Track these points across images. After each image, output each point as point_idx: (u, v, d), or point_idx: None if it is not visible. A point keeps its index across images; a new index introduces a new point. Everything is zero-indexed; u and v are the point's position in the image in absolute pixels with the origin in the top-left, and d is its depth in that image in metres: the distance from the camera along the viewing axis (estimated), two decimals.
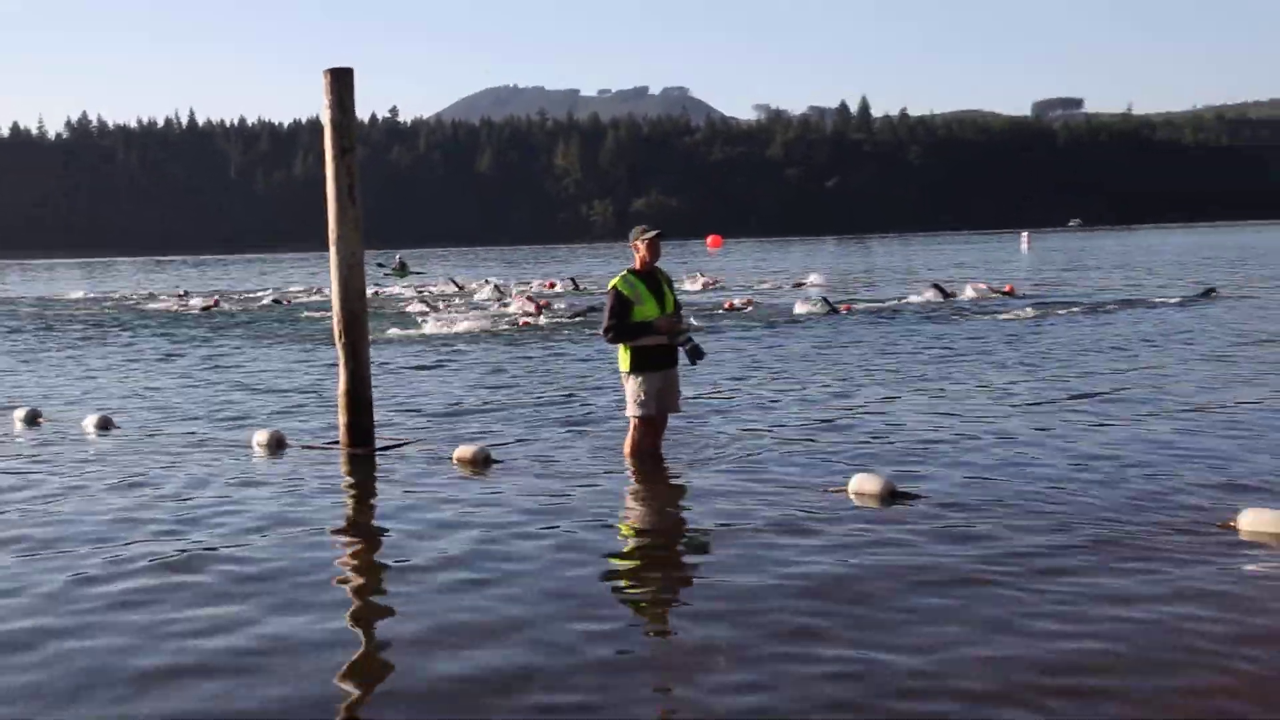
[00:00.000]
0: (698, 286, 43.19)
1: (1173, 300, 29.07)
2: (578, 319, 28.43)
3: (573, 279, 50.36)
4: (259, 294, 48.53)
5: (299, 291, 49.28)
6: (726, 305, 32.38)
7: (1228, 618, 6.02)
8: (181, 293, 50.04)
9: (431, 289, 46.32)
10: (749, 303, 32.77)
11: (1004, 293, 33.68)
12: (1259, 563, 7.00)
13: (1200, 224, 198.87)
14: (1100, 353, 18.46)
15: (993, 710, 5.00)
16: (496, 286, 42.86)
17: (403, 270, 52.41)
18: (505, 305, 34.07)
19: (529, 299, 34.01)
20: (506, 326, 27.74)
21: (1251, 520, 7.55)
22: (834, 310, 29.01)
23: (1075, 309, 27.39)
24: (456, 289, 45.70)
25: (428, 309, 33.19)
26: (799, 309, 29.63)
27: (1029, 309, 27.44)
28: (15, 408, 14.70)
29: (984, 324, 24.63)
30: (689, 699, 5.28)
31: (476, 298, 40.06)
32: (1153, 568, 6.87)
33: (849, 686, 5.28)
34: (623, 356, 10.01)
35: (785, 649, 5.75)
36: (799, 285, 43.19)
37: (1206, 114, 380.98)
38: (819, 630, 6.02)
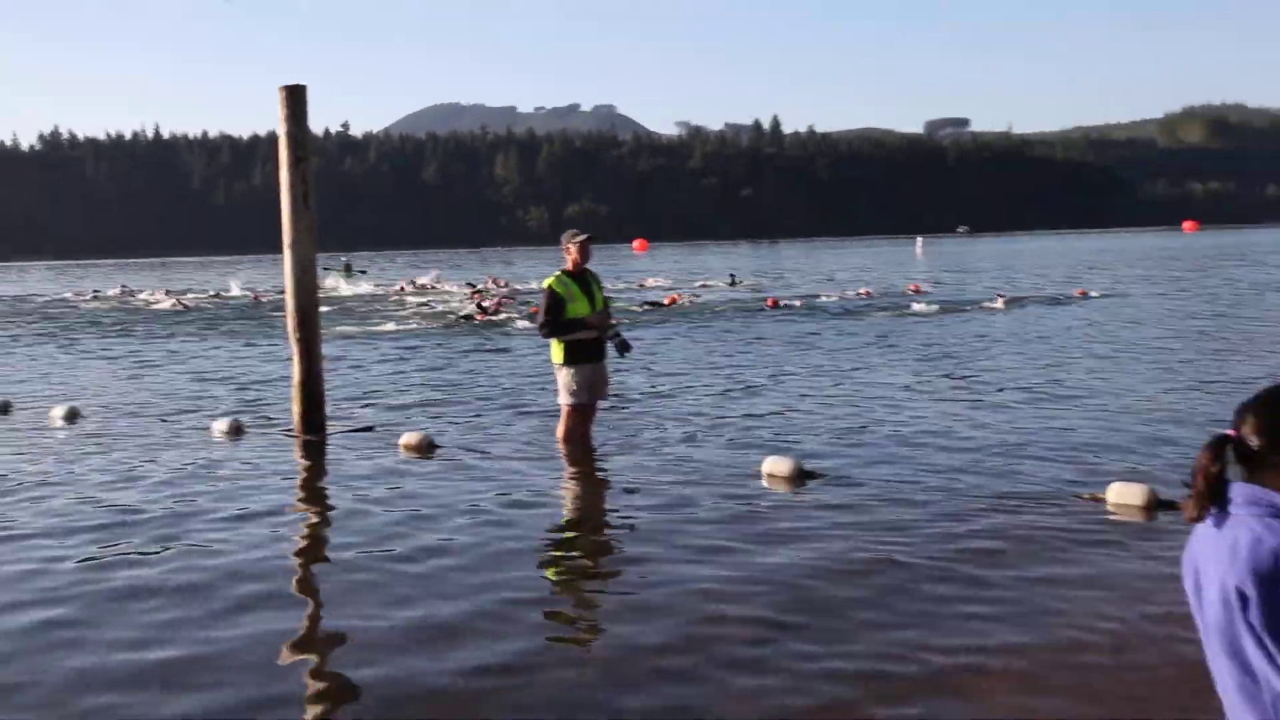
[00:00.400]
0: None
1: (1056, 298, 29.55)
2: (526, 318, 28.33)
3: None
4: (223, 293, 47.69)
5: (268, 290, 48.40)
6: (668, 300, 32.32)
7: (1095, 581, 6.09)
8: (165, 291, 48.94)
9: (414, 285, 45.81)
10: (674, 300, 32.76)
11: (911, 290, 34.09)
12: (1122, 530, 7.12)
13: (1071, 231, 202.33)
14: (996, 344, 18.70)
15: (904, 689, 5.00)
16: (470, 284, 41.95)
17: (348, 271, 51.59)
18: (481, 299, 33.48)
19: (501, 290, 33.82)
20: (462, 321, 27.61)
21: (1116, 493, 7.70)
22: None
23: (971, 307, 27.68)
24: (415, 288, 45.08)
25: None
26: (917, 308, 28.33)
27: (934, 305, 27.85)
28: None
29: (893, 320, 24.84)
30: (616, 689, 5.12)
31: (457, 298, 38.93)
32: (1031, 535, 6.95)
33: (768, 667, 5.25)
34: (555, 349, 9.94)
35: (703, 630, 5.69)
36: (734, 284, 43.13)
37: (1075, 134, 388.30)
38: (733, 615, 5.90)
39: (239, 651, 5.42)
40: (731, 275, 46.32)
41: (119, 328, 29.21)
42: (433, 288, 44.99)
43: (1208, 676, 2.49)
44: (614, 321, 10.15)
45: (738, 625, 5.62)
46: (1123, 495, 7.65)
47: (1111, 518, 7.43)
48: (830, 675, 4.98)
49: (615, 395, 11.56)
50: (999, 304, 27.89)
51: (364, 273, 55.63)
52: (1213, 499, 2.41)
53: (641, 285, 43.91)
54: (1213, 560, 2.41)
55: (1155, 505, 7.48)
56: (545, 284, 10.00)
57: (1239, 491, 2.39)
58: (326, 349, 11.83)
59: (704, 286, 41.71)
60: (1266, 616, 2.29)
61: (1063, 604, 5.76)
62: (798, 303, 30.86)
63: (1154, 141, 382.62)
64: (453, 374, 16.81)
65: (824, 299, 32.15)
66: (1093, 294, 30.62)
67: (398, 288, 45.35)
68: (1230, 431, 2.43)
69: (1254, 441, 2.38)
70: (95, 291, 50.60)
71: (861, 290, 34.56)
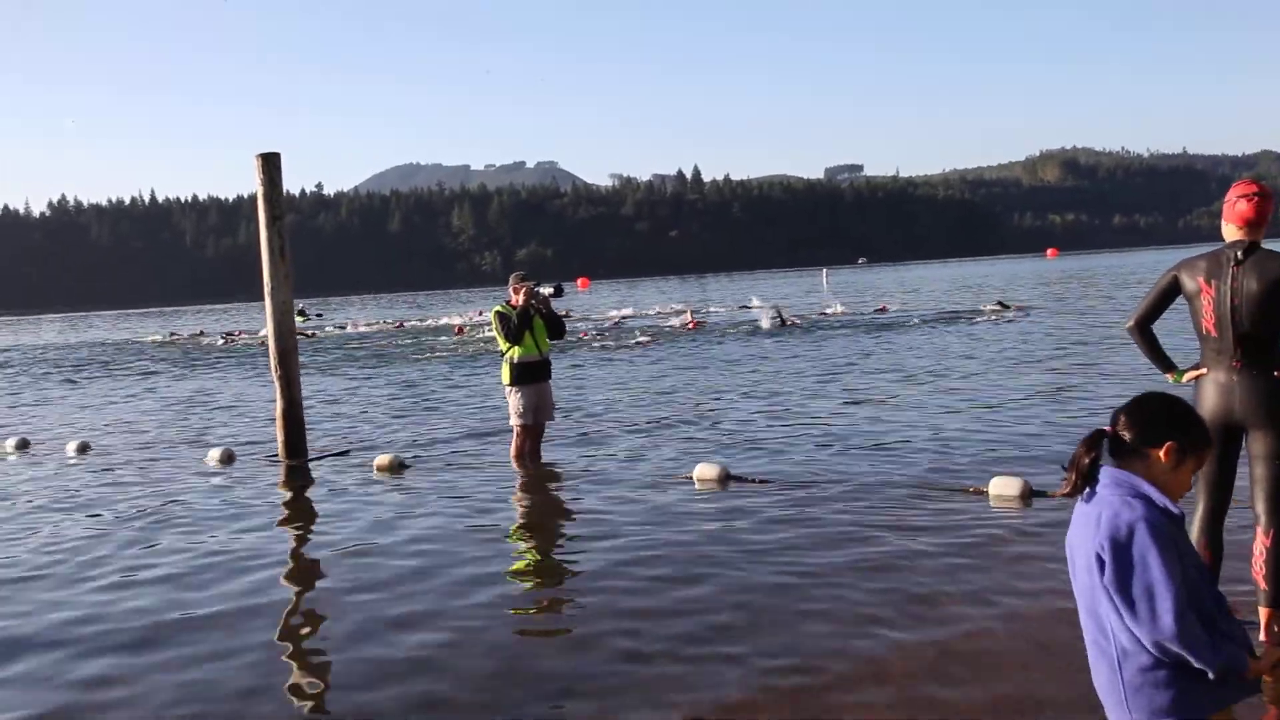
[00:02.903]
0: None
1: (980, 315, 30.07)
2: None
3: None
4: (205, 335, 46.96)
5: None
6: (691, 324, 32.80)
7: (979, 561, 6.14)
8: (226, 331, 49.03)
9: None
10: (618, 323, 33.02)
11: (880, 310, 35.09)
12: (997, 517, 7.18)
13: (953, 259, 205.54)
14: (918, 358, 18.83)
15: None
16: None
17: (301, 315, 51.11)
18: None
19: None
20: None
21: (996, 486, 7.79)
22: (783, 322, 30.44)
23: (912, 324, 27.95)
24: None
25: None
26: (764, 323, 30.64)
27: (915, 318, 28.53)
28: (9, 436, 14.14)
29: (812, 338, 24.99)
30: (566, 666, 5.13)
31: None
32: (926, 524, 7.00)
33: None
34: (504, 372, 9.91)
35: (635, 622, 5.66)
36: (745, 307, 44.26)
37: (953, 176, 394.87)
38: (663, 608, 5.90)
39: (227, 646, 5.33)
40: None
41: (132, 365, 28.64)
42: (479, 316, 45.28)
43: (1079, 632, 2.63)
44: (537, 291, 10.01)
45: (667, 619, 5.54)
46: (1002, 487, 7.75)
47: (992, 507, 7.50)
48: (750, 666, 4.93)
49: (575, 409, 11.49)
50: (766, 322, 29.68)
51: (320, 315, 55.78)
52: (1086, 480, 2.58)
53: (659, 311, 45.17)
54: (1081, 533, 2.57)
55: (1029, 495, 7.58)
56: (493, 311, 10.05)
57: (1107, 474, 2.57)
58: (323, 382, 11.63)
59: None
60: (1116, 576, 2.43)
61: (950, 582, 5.80)
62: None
63: (1019, 181, 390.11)
64: (428, 400, 16.67)
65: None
66: (1009, 308, 30.58)
67: (457, 323, 45.04)
68: (1107, 427, 2.63)
69: (1127, 436, 2.58)
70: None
71: (839, 309, 35.94)
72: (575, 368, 20.64)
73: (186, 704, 4.70)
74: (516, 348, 9.78)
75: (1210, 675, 2.43)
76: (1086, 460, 2.58)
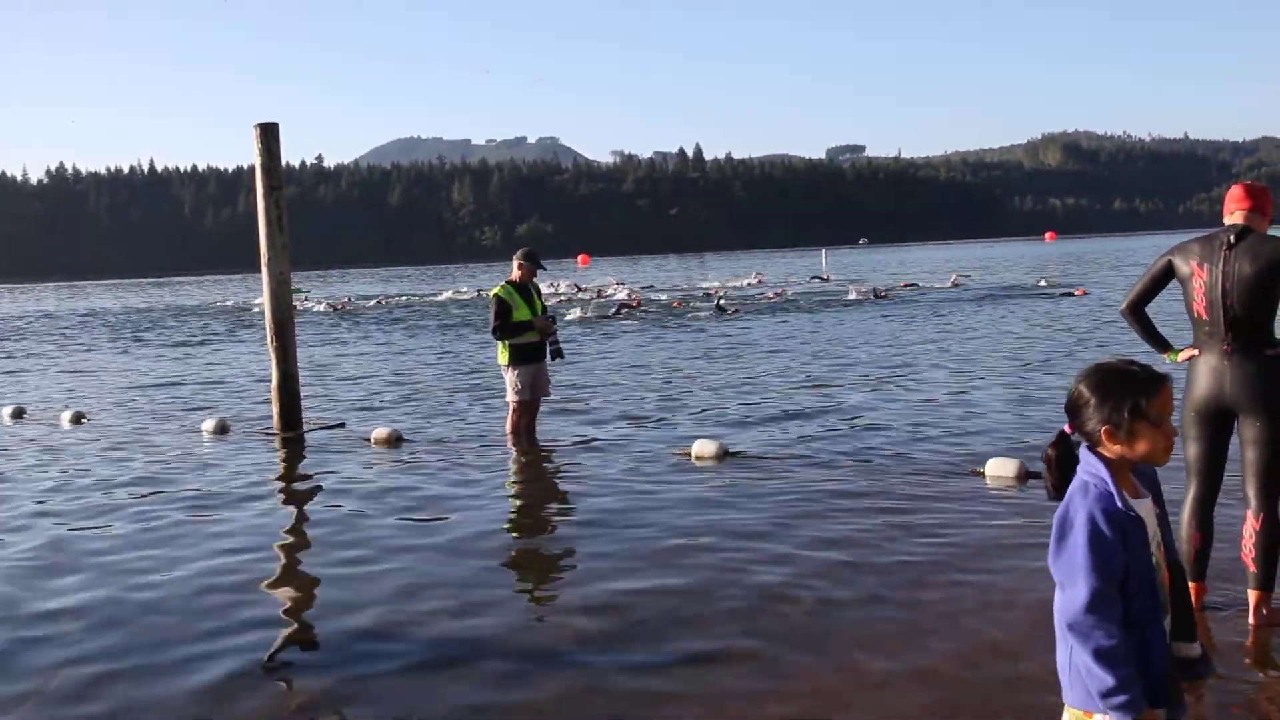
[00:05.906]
0: (754, 280, 48.55)
1: (1044, 293, 30.39)
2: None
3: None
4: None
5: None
6: (773, 295, 34.38)
7: (961, 539, 6.15)
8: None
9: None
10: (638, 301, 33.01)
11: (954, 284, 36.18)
12: (992, 499, 7.21)
13: (953, 241, 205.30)
14: (966, 336, 18.85)
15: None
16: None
17: (297, 290, 51.31)
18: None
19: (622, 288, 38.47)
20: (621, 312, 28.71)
21: (993, 467, 7.83)
22: (876, 295, 31.42)
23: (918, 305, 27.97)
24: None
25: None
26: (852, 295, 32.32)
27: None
28: (4, 404, 14.14)
29: (813, 316, 24.98)
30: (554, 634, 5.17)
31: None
32: (923, 503, 7.02)
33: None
34: (501, 352, 9.91)
35: (624, 584, 5.69)
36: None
37: (955, 158, 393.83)
38: (651, 587, 5.92)
39: (210, 629, 5.31)
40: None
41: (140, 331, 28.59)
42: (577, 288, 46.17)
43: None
44: (555, 328, 10.12)
45: (648, 599, 5.56)
46: (999, 468, 7.78)
47: (989, 488, 7.52)
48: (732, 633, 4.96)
49: (577, 387, 11.47)
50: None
51: (309, 291, 56.73)
52: (1063, 479, 2.53)
53: (757, 280, 48.09)
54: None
55: (1025, 476, 7.60)
56: (493, 293, 9.96)
57: (1083, 456, 2.52)
58: (322, 352, 11.62)
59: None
60: (1053, 553, 2.44)
61: (945, 559, 5.81)
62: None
63: (1020, 164, 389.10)
64: (426, 372, 16.66)
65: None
66: (1077, 293, 29.84)
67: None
68: (1067, 427, 2.56)
69: (1081, 434, 2.52)
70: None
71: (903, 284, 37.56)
72: (650, 335, 20.65)
73: (176, 683, 4.72)
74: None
75: (1092, 690, 2.36)
76: (1057, 472, 2.52)
